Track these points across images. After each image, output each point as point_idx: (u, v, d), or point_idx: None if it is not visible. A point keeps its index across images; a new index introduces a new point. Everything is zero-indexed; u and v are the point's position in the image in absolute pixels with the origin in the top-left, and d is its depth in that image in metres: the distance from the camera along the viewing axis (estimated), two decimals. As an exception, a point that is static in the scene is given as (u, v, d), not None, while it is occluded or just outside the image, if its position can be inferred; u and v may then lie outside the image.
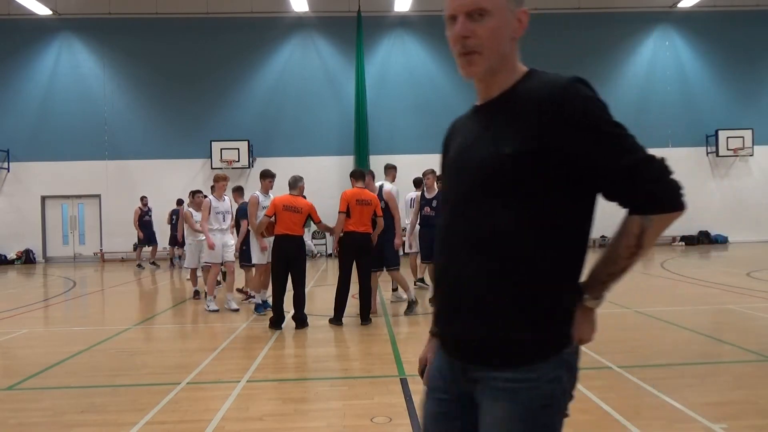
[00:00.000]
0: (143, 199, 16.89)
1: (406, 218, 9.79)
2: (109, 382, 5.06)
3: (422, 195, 8.63)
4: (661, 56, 20.75)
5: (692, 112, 20.48)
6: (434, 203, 8.29)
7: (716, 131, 20.05)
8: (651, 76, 20.64)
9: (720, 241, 20.05)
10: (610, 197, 1.43)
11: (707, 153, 20.54)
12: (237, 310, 8.39)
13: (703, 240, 20.01)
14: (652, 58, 20.72)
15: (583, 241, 1.49)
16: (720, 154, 20.10)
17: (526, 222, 1.42)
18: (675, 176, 1.39)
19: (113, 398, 4.58)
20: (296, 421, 4.00)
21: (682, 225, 20.13)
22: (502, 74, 1.51)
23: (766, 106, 20.66)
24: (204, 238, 8.99)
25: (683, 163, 20.40)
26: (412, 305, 7.87)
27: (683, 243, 19.95)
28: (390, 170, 9.09)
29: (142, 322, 8.10)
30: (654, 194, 1.37)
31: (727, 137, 19.95)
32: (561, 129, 1.38)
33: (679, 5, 20.31)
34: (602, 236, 20.20)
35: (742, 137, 19.95)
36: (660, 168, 1.38)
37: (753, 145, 19.97)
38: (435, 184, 8.43)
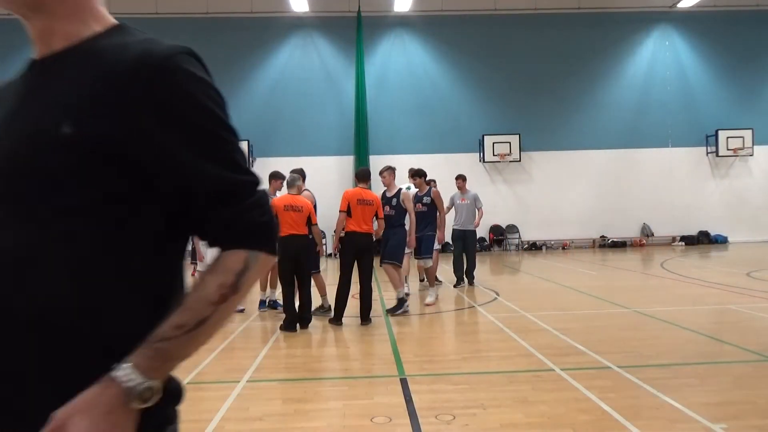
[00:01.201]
0: None
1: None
2: (109, 382, 5.05)
3: (383, 194, 8.26)
4: (661, 56, 20.75)
5: (692, 112, 20.48)
6: (394, 202, 8.16)
7: (716, 131, 20.05)
8: (651, 76, 20.64)
9: (720, 241, 20.04)
10: (198, 223, 1.04)
11: (707, 153, 20.54)
12: (242, 311, 8.38)
13: (702, 240, 20.01)
14: (652, 58, 20.72)
15: (162, 284, 1.05)
16: (720, 154, 20.08)
17: (74, 244, 0.96)
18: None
19: (113, 398, 4.57)
20: (296, 421, 4.00)
21: (682, 225, 20.17)
22: (65, 18, 1.07)
23: (766, 106, 20.66)
24: None
25: (683, 163, 20.47)
26: (402, 303, 7.92)
27: (683, 243, 19.95)
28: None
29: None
30: (265, 225, 1.03)
31: (727, 137, 19.93)
32: (147, 112, 0.97)
33: (679, 5, 20.30)
34: (602, 236, 20.26)
35: (742, 137, 19.94)
36: (267, 199, 1.07)
37: (753, 145, 19.96)
38: (394, 181, 8.36)
